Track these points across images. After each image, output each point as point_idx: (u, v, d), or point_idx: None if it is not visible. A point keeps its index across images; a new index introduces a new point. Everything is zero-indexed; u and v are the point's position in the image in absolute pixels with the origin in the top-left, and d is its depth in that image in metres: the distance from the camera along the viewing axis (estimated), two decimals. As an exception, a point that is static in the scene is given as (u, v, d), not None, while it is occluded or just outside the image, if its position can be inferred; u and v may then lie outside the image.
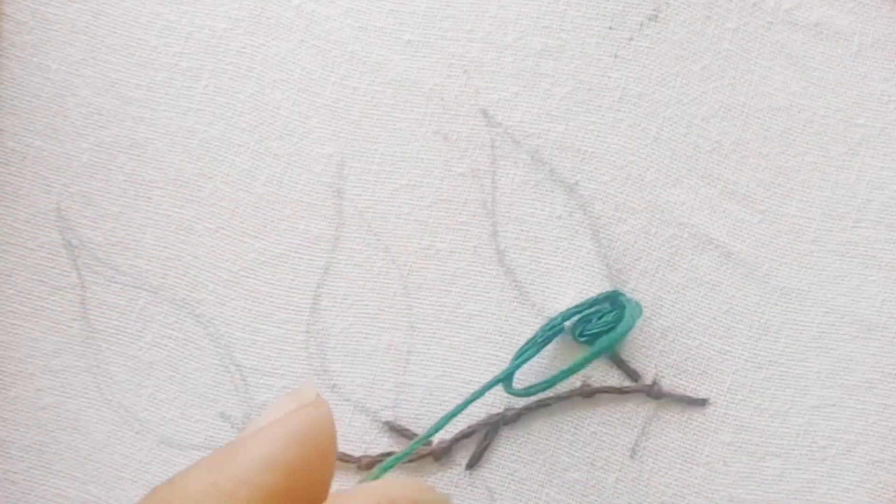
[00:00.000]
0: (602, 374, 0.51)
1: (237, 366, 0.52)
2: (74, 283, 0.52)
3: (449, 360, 0.51)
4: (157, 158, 0.52)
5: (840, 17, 0.50)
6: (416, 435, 0.51)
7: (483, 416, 0.51)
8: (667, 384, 0.51)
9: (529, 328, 0.51)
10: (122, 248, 0.52)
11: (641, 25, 0.51)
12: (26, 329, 0.52)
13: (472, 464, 0.51)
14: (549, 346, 0.51)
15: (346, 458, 0.51)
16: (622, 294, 0.51)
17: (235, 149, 0.52)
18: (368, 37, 0.52)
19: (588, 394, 0.51)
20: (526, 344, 0.50)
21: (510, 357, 0.51)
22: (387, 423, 0.51)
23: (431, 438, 0.51)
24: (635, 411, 0.51)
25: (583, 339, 0.51)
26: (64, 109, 0.52)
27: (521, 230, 0.51)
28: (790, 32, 0.51)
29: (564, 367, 0.49)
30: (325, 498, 0.36)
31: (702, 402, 0.51)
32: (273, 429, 0.36)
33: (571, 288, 0.51)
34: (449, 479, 0.51)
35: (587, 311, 0.51)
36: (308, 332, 0.52)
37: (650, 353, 0.51)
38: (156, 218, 0.52)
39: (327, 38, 0.52)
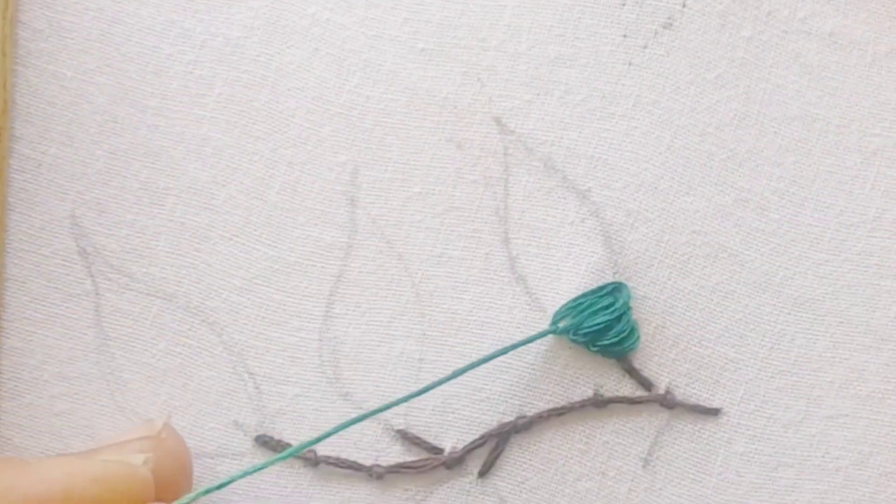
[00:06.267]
0: (615, 384, 0.51)
1: (250, 374, 0.52)
2: (89, 291, 0.52)
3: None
4: (171, 166, 0.52)
5: (854, 27, 0.50)
6: (427, 443, 0.51)
7: (495, 424, 0.51)
8: (680, 393, 0.51)
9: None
10: (136, 256, 0.52)
11: (656, 33, 0.51)
12: (40, 336, 0.52)
13: (484, 472, 0.51)
14: (558, 354, 0.51)
15: (356, 467, 0.51)
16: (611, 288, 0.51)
17: (249, 157, 0.52)
18: (383, 45, 0.52)
19: (601, 403, 0.51)
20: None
21: (521, 364, 0.51)
22: (399, 431, 0.51)
23: (443, 447, 0.51)
24: (648, 421, 0.51)
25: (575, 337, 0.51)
26: (79, 117, 0.52)
27: (533, 237, 0.51)
28: (805, 42, 0.50)
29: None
30: None
31: (715, 412, 0.51)
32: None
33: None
34: (461, 487, 0.51)
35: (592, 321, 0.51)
36: (321, 339, 0.52)
37: (663, 361, 0.51)
38: (170, 225, 0.52)
39: (342, 46, 0.52)
